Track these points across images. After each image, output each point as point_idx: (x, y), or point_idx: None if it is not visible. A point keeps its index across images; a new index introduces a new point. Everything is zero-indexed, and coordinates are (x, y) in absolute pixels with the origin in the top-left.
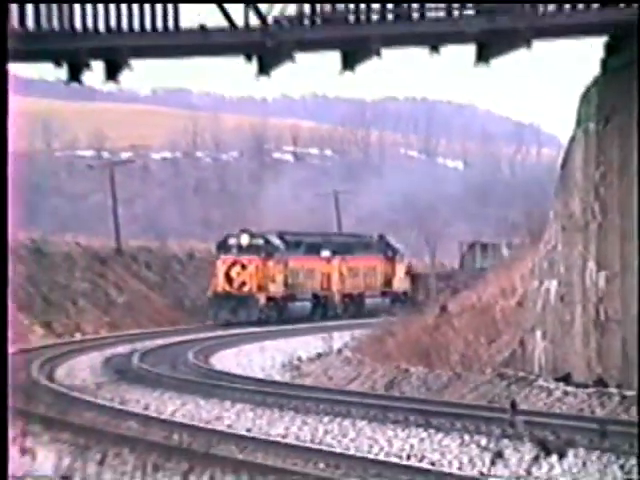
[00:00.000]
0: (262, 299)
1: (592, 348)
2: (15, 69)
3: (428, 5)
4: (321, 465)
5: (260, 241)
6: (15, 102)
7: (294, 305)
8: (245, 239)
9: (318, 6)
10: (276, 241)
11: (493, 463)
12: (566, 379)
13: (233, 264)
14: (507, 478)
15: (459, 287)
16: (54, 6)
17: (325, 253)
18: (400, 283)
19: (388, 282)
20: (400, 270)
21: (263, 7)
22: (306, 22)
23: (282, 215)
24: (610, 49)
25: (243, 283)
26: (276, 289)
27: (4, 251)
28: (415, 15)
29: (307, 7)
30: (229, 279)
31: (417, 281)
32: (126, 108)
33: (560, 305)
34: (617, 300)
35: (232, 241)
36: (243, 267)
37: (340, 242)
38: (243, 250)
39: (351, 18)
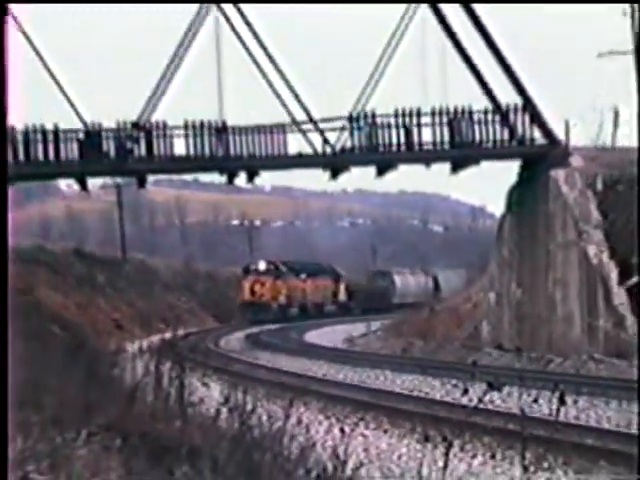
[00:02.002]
0: (274, 305)
1: (514, 330)
2: (198, 177)
3: (425, 141)
4: (365, 395)
5: (272, 267)
6: (198, 196)
7: (291, 310)
8: (262, 265)
9: (364, 142)
10: (282, 267)
11: (462, 395)
12: (500, 347)
13: (255, 282)
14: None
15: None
16: (218, 140)
17: (302, 276)
18: (342, 296)
19: (335, 295)
20: (342, 287)
21: (332, 140)
22: (356, 151)
23: (340, 254)
24: (523, 167)
25: (262, 295)
26: (282, 299)
27: (4, 252)
28: (417, 148)
29: (356, 142)
30: (252, 292)
31: (351, 294)
32: (257, 197)
33: (496, 307)
34: (527, 304)
35: (253, 267)
36: (262, 284)
37: (310, 269)
38: (261, 273)
39: (381, 149)
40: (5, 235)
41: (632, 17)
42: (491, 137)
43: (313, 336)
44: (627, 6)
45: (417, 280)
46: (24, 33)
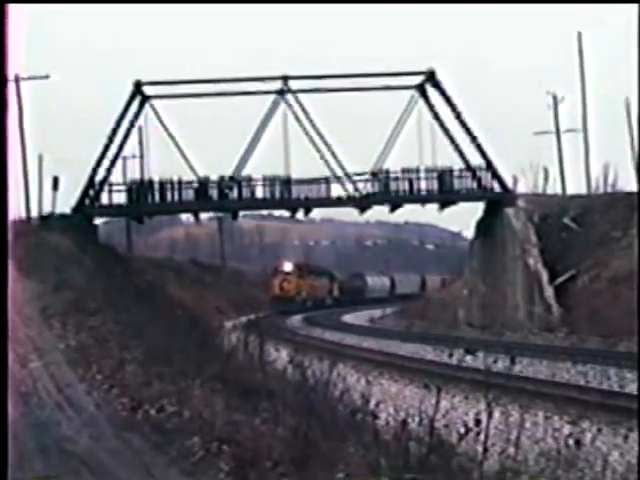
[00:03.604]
0: (298, 299)
1: (480, 314)
2: (272, 212)
3: (422, 189)
4: (382, 357)
5: (296, 268)
6: (271, 225)
7: (308, 302)
8: (288, 267)
9: (382, 189)
10: (303, 268)
11: (449, 357)
12: (470, 325)
13: (283, 280)
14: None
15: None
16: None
17: (313, 276)
18: (336, 292)
19: (331, 291)
20: (335, 285)
21: (361, 187)
22: (376, 195)
23: (364, 264)
24: (486, 206)
25: (288, 290)
26: (303, 294)
27: (4, 250)
28: (416, 193)
29: (377, 189)
30: (281, 288)
31: (342, 290)
32: (311, 226)
33: (468, 298)
34: (492, 296)
35: (280, 268)
36: (288, 282)
37: (316, 271)
38: (287, 273)
39: (393, 194)
40: (5, 235)
41: (555, 108)
42: (465, 186)
43: (348, 318)
44: (551, 100)
45: (381, 280)
46: (160, 120)
